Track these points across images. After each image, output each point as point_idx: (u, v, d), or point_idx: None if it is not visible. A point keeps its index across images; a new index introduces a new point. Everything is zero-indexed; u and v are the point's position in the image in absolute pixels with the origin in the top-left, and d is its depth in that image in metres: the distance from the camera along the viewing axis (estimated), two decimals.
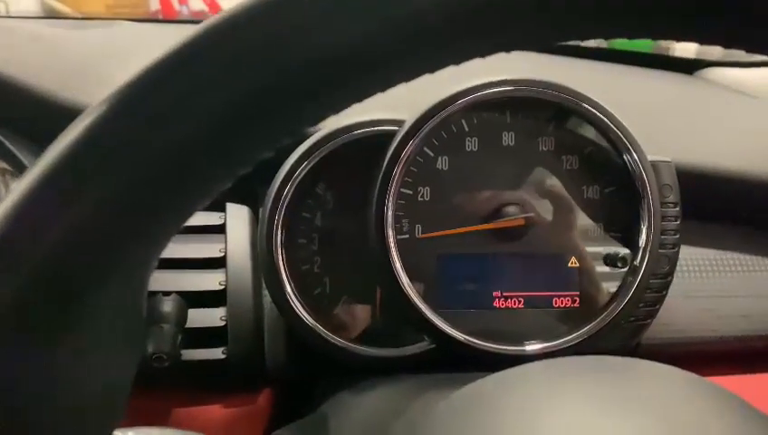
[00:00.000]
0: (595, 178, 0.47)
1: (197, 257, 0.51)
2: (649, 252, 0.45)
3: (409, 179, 0.46)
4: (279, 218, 0.46)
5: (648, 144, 0.47)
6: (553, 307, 0.47)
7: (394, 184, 0.44)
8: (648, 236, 0.45)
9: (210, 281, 0.50)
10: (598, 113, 0.44)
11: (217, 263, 0.51)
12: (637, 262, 0.46)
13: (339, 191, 0.49)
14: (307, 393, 0.52)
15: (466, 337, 0.44)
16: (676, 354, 0.56)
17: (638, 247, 0.46)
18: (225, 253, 0.51)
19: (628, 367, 0.30)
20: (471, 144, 0.47)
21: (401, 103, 0.45)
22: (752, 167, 0.55)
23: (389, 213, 0.44)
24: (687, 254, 0.56)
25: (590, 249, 0.47)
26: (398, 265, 0.44)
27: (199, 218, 0.53)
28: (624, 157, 0.45)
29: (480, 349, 0.44)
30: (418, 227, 0.47)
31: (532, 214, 0.46)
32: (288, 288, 0.46)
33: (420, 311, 0.44)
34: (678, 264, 0.55)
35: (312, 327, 0.46)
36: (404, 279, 0.44)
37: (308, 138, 0.47)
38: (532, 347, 0.45)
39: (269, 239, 0.46)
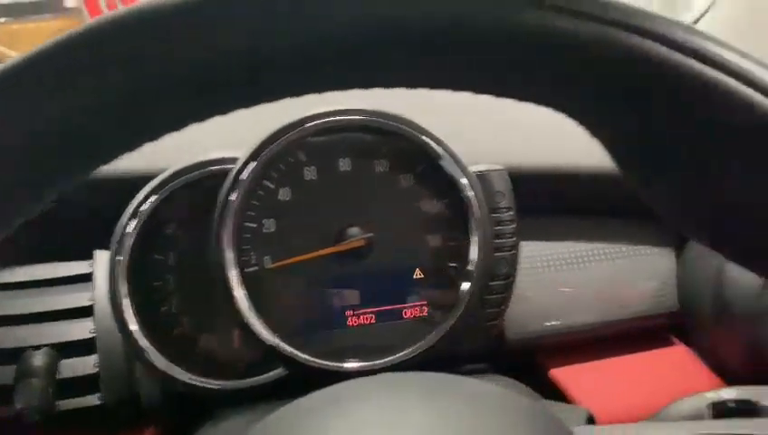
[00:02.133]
0: (429, 193, 0.50)
1: (66, 308, 0.52)
2: (482, 259, 0.48)
3: (252, 213, 0.48)
4: (124, 261, 0.47)
5: (487, 152, 0.49)
6: (404, 319, 0.49)
7: (232, 220, 0.46)
8: (479, 244, 0.48)
9: (80, 330, 0.51)
10: (416, 133, 0.47)
11: (87, 311, 0.52)
12: (473, 268, 0.48)
13: (190, 230, 0.50)
14: (191, 428, 0.53)
15: (311, 359, 0.46)
16: (546, 346, 0.59)
17: (474, 255, 0.48)
18: (94, 301, 0.52)
19: (424, 383, 0.32)
20: (310, 173, 0.49)
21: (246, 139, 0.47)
22: (583, 160, 0.57)
23: (230, 248, 0.46)
24: (550, 248, 0.59)
25: (431, 260, 0.50)
26: (241, 298, 0.46)
27: (67, 268, 0.54)
28: (448, 172, 0.48)
29: (326, 370, 0.46)
30: (266, 259, 0.48)
31: (371, 234, 0.48)
32: (137, 331, 0.47)
33: (265, 339, 0.46)
34: (540, 258, 0.58)
35: (165, 371, 0.47)
36: (245, 310, 0.46)
37: (148, 182, 0.48)
38: (382, 360, 0.47)
39: (112, 286, 0.47)
